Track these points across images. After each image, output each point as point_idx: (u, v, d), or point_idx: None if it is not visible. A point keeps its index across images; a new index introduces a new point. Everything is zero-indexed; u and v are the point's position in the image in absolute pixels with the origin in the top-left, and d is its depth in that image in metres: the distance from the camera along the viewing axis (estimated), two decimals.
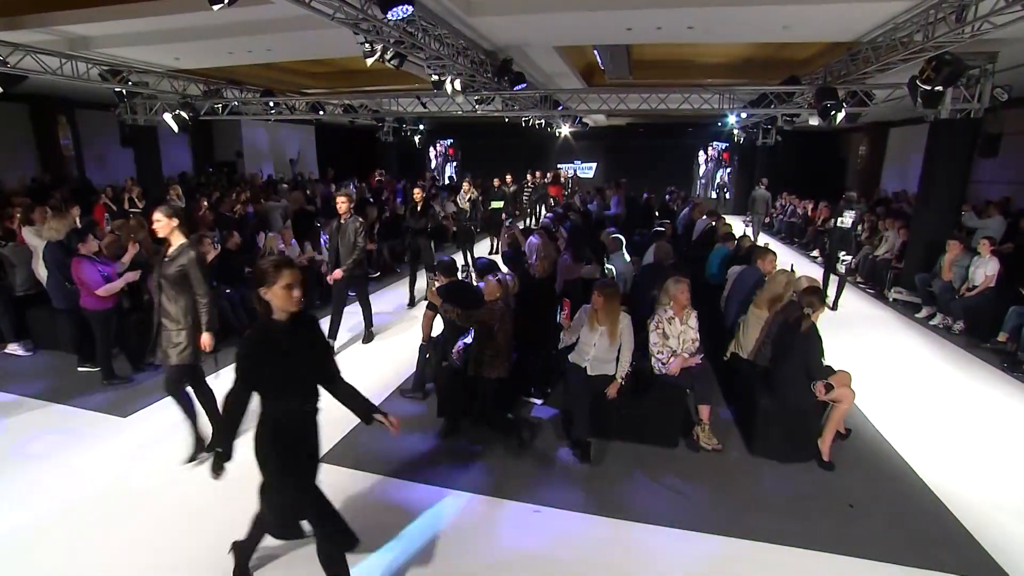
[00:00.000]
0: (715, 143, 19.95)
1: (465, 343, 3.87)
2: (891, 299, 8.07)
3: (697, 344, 3.86)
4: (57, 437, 3.86)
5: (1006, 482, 3.57)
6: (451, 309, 3.67)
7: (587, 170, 21.78)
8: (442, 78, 7.25)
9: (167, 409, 4.07)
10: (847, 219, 7.44)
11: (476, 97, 9.13)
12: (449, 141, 22.32)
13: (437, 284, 4.03)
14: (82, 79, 8.03)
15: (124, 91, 9.00)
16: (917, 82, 6.07)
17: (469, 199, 9.39)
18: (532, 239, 4.74)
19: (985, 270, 6.47)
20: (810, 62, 8.93)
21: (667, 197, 14.36)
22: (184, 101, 9.41)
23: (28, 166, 11.82)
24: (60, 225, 4.58)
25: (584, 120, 17.31)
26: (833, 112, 7.21)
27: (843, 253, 7.51)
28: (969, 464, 3.76)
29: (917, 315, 7.33)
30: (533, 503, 3.21)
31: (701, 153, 20.82)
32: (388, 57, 5.83)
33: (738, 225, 15.08)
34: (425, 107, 9.82)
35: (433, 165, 22.27)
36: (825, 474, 3.56)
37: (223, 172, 15.13)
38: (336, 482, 3.24)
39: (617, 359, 3.69)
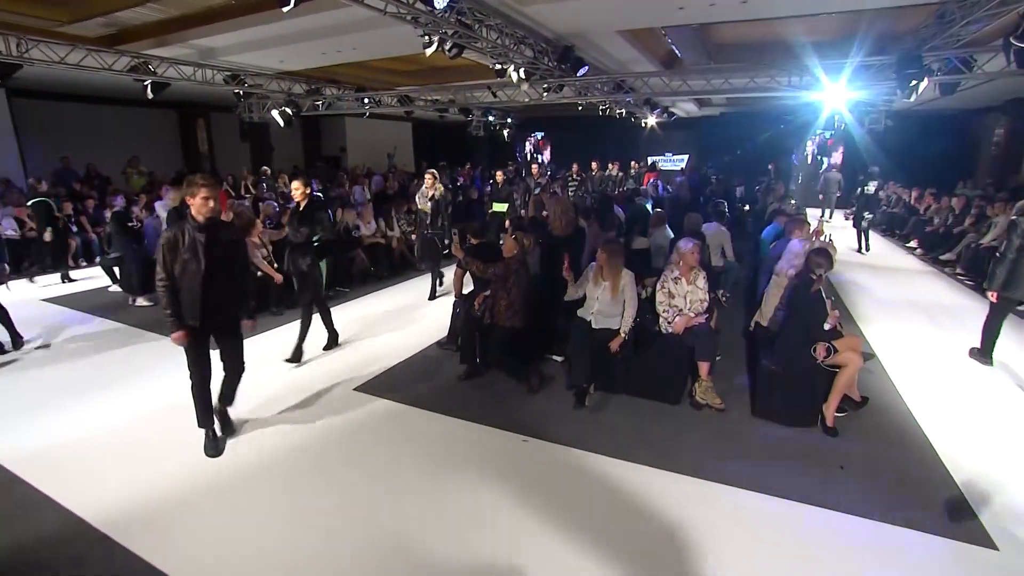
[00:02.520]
0: (820, 131, 18.54)
1: (485, 295, 4.28)
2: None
3: (706, 304, 3.95)
4: (168, 359, 4.81)
5: None
6: (472, 262, 4.11)
7: (678, 161, 21.21)
8: (505, 67, 7.69)
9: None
10: (871, 187, 10.80)
11: (544, 85, 9.44)
12: (540, 134, 22.82)
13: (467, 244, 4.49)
14: (209, 83, 9.55)
15: (242, 92, 10.45)
16: (1012, 39, 5.48)
17: (432, 198, 6.65)
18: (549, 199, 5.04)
19: None
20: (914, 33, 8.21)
21: (756, 188, 13.77)
22: (289, 99, 10.71)
23: (176, 162, 14.09)
24: (176, 196, 5.68)
25: (671, 110, 17.01)
26: (915, 82, 6.65)
27: (867, 213, 10.40)
28: (999, 452, 3.50)
29: (1020, 308, 6.56)
30: (523, 435, 3.55)
31: (808, 143, 19.44)
32: (447, 48, 6.36)
33: (838, 219, 14.09)
34: (495, 96, 10.29)
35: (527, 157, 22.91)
36: (825, 438, 3.52)
37: (328, 165, 16.86)
38: (372, 407, 3.94)
39: (622, 315, 3.89)
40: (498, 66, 7.71)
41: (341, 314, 6.04)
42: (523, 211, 7.09)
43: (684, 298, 3.92)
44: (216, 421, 3.50)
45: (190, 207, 3.12)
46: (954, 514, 2.84)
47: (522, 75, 7.93)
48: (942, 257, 9.17)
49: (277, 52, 8.90)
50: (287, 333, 5.41)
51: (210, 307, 3.18)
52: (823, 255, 3.52)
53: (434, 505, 2.92)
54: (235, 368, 3.53)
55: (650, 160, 20.41)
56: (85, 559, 2.54)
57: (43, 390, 4.33)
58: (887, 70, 7.80)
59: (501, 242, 4.25)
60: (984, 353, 4.88)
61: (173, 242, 3.07)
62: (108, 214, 8.27)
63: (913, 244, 10.61)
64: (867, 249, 10.21)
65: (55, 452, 3.44)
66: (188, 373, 3.31)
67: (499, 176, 8.06)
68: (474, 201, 9.71)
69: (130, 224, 6.85)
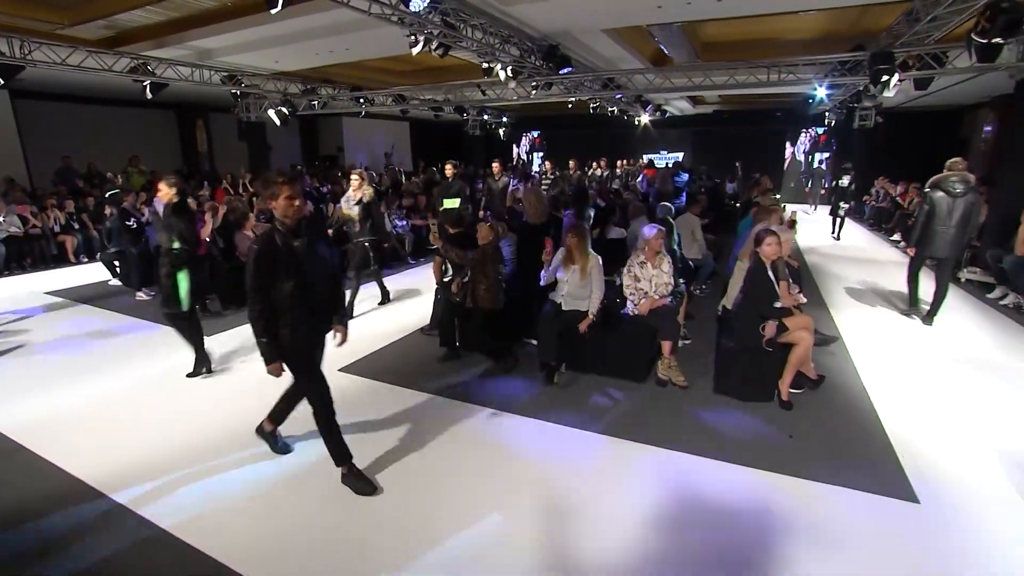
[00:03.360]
0: (812, 128, 18.75)
1: (464, 280, 4.51)
2: (963, 279, 7.47)
3: (670, 287, 4.17)
4: (165, 348, 5.06)
5: (982, 450, 3.52)
6: (450, 249, 4.34)
7: (674, 159, 21.41)
8: (492, 66, 7.92)
9: (239, 332, 5.29)
10: (844, 180, 11.61)
11: (532, 83, 9.67)
12: (536, 133, 23.07)
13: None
14: (207, 84, 9.80)
15: (239, 92, 10.70)
16: (972, 35, 5.69)
17: (359, 202, 5.84)
18: (521, 188, 5.28)
19: None
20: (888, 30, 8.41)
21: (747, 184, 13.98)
22: (285, 99, 10.97)
23: (175, 161, 14.37)
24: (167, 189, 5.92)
25: (663, 108, 17.24)
26: (886, 78, 6.87)
27: (842, 203, 11.56)
28: (937, 422, 3.72)
29: (989, 295, 6.78)
30: (494, 410, 3.78)
31: (801, 136, 19.64)
32: (433, 47, 6.59)
33: (823, 213, 14.35)
34: (485, 94, 10.51)
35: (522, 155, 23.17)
36: (780, 412, 3.74)
37: (326, 164, 17.13)
38: (355, 386, 4.21)
39: (591, 298, 4.12)
40: (485, 65, 7.95)
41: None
42: (482, 211, 7.10)
43: (649, 281, 4.15)
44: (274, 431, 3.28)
45: (275, 211, 2.69)
46: (886, 475, 3.06)
47: (509, 73, 8.17)
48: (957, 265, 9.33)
49: (272, 53, 9.14)
50: None
51: (316, 321, 2.87)
52: (770, 235, 3.74)
53: (409, 470, 3.15)
54: (319, 406, 2.96)
55: (646, 158, 20.77)
56: (83, 514, 2.78)
57: (46, 371, 4.58)
58: (862, 67, 8.02)
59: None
60: (911, 303, 6.04)
61: (266, 257, 2.64)
62: (109, 211, 8.55)
63: (896, 237, 10.81)
64: (838, 237, 11.51)
65: (55, 423, 3.69)
66: (316, 403, 2.91)
67: (448, 169, 7.48)
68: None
69: (128, 223, 7.12)
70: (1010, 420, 3.71)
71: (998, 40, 5.51)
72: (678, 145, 21.15)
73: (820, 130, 18.63)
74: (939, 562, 2.44)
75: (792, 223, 5.28)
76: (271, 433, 3.26)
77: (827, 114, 15.94)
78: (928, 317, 5.75)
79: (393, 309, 6.42)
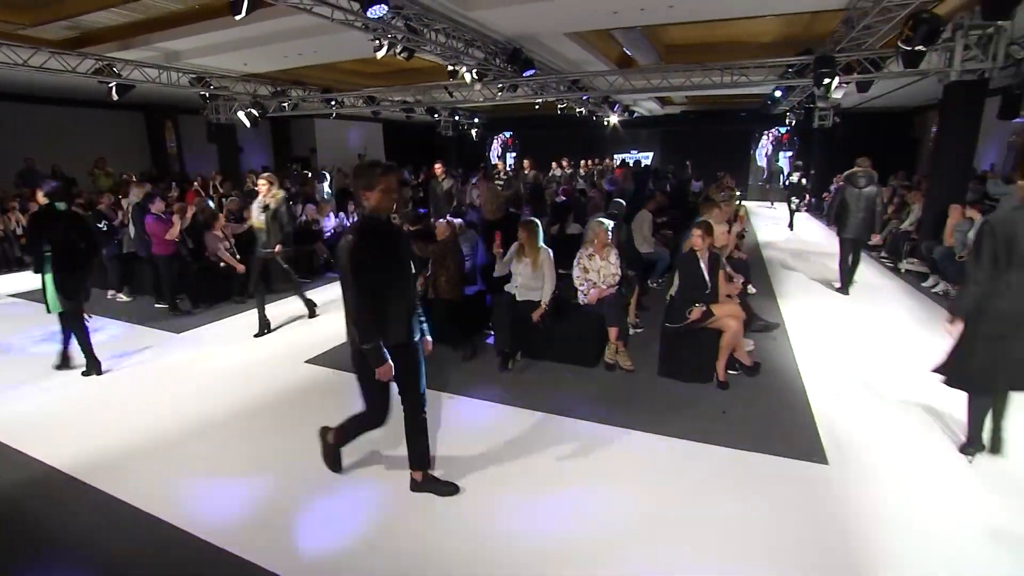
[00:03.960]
0: (774, 128, 19.40)
1: (426, 275, 4.74)
2: (903, 270, 7.97)
3: (617, 277, 4.46)
4: (138, 344, 5.18)
5: (889, 413, 3.89)
6: (414, 243, 4.58)
7: (644, 158, 21.91)
8: (457, 68, 8.15)
9: (208, 329, 5.44)
10: (795, 177, 13.49)
11: (498, 85, 9.92)
12: (508, 133, 23.34)
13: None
14: (175, 85, 9.80)
15: (207, 94, 10.72)
16: (899, 43, 6.14)
17: (267, 208, 5.21)
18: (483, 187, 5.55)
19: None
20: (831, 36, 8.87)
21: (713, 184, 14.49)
22: (255, 100, 11.03)
23: (143, 163, 14.23)
24: (139, 191, 6.03)
25: (631, 108, 17.69)
26: (827, 81, 7.31)
27: (794, 198, 13.12)
28: (865, 399, 4.08)
29: (923, 284, 7.26)
30: (451, 394, 4.03)
31: (763, 138, 20.29)
32: (398, 51, 6.80)
33: (782, 209, 14.93)
34: (452, 96, 10.72)
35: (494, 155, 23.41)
36: (718, 391, 4.06)
37: (298, 166, 17.13)
38: (320, 376, 4.41)
39: (543, 288, 4.38)
40: (451, 67, 8.17)
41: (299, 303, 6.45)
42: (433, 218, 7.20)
43: (597, 272, 4.43)
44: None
45: (366, 202, 2.55)
46: (804, 442, 3.38)
47: (475, 76, 8.41)
48: (870, 242, 9.87)
49: (240, 55, 9.21)
50: (250, 318, 5.81)
51: (411, 324, 2.68)
52: (702, 227, 4.05)
53: (363, 446, 3.36)
54: (413, 405, 2.81)
55: (617, 158, 21.26)
56: (54, 497, 2.94)
57: (17, 370, 4.66)
58: (809, 70, 8.46)
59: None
60: (843, 284, 6.98)
61: (364, 253, 2.48)
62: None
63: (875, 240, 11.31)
64: (792, 227, 12.64)
65: (28, 417, 3.80)
66: (367, 409, 2.83)
67: None
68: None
69: (100, 225, 7.15)
70: (919, 392, 4.08)
71: (920, 48, 5.96)
72: (648, 145, 21.63)
73: (783, 130, 19.30)
74: (842, 513, 2.76)
75: (734, 217, 5.62)
76: (424, 480, 2.93)
77: (788, 114, 16.56)
78: (844, 287, 6.96)
79: None
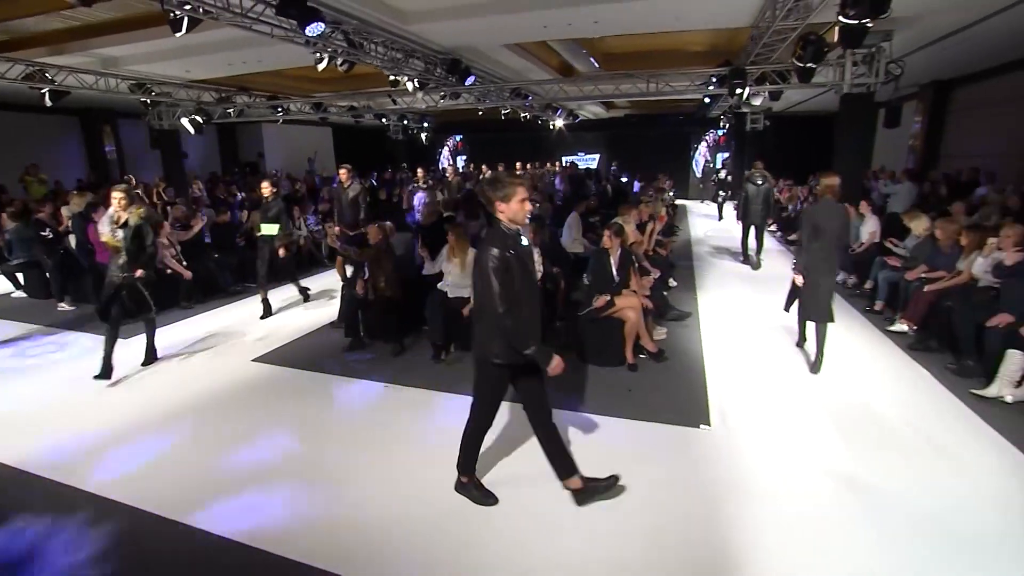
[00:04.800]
0: (713, 130, 20.47)
1: (365, 279, 5.09)
2: None
3: (540, 274, 4.92)
4: (80, 351, 5.31)
5: (776, 393, 4.51)
6: (348, 250, 4.92)
7: (590, 160, 22.70)
8: (399, 78, 8.48)
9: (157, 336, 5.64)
10: (722, 174, 16.31)
11: (440, 93, 10.29)
12: (458, 137, 23.71)
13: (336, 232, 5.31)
14: (113, 92, 9.71)
15: (149, 101, 10.64)
16: (793, 60, 6.88)
17: (126, 225, 4.42)
18: (418, 195, 5.94)
19: (868, 228, 7.20)
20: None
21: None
22: (199, 107, 11.01)
23: (80, 170, 13.85)
24: (80, 201, 6.12)
25: (575, 113, 18.38)
26: (739, 91, 8.04)
27: (720, 192, 15.32)
28: (754, 376, 4.69)
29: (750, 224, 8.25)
30: (386, 383, 4.42)
31: (704, 139, 21.36)
32: (338, 63, 7.09)
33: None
34: (396, 103, 11.03)
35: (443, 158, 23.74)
36: (628, 373, 4.58)
37: (246, 171, 16.98)
38: (265, 372, 4.71)
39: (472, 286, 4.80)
40: (392, 77, 8.49)
41: (250, 306, 6.67)
42: (338, 227, 7.23)
43: None
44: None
45: (500, 214, 2.57)
46: (694, 413, 3.93)
47: (416, 84, 8.77)
48: (790, 237, 10.78)
49: (183, 63, 9.25)
50: (197, 325, 6.00)
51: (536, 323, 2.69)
52: (612, 228, 4.58)
53: (310, 431, 3.71)
54: (544, 417, 2.86)
55: (565, 160, 21.96)
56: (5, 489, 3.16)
57: None
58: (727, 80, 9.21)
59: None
60: (746, 258, 8.87)
61: (506, 262, 2.50)
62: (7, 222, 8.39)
63: (774, 228, 12.25)
64: (721, 218, 14.67)
65: None
66: (476, 416, 2.92)
67: (265, 188, 6.33)
68: (384, 201, 10.51)
69: (44, 233, 7.12)
70: (801, 369, 4.72)
71: (811, 65, 6.70)
72: (594, 147, 22.42)
73: (720, 132, 20.41)
74: (718, 466, 3.29)
75: (650, 217, 6.20)
76: (469, 484, 3.00)
77: (722, 118, 17.56)
78: (746, 259, 8.88)
79: (309, 307, 6.86)
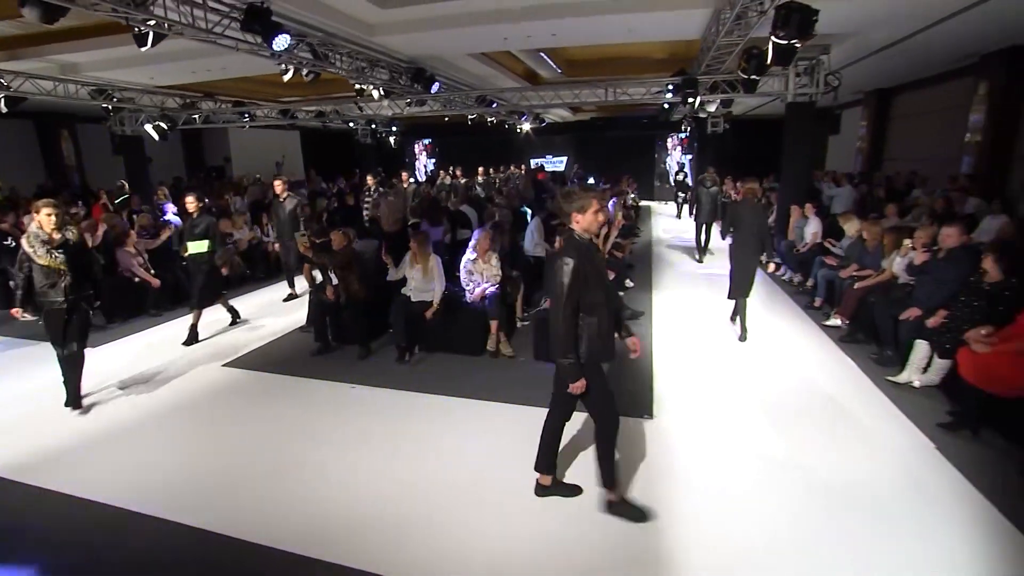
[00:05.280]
0: (676, 133, 21.08)
1: (335, 285, 5.27)
2: (763, 262, 9.29)
3: (498, 278, 5.22)
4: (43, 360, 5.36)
5: (713, 381, 4.88)
6: (321, 257, 5.13)
7: (558, 163, 23.13)
8: (364, 87, 8.66)
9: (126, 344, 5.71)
10: (681, 176, 16.92)
11: (405, 100, 10.49)
12: (427, 140, 23.86)
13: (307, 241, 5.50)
14: (73, 98, 9.61)
15: (111, 107, 10.54)
16: (739, 72, 7.32)
17: (62, 245, 4.02)
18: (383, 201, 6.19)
19: (811, 229, 7.71)
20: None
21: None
22: (163, 113, 10.96)
23: (37, 175, 13.54)
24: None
25: (542, 116, 18.75)
26: (691, 100, 8.49)
27: (680, 192, 16.23)
28: (697, 370, 5.06)
29: (777, 273, 8.57)
30: (352, 384, 4.65)
31: (668, 142, 21.97)
32: (304, 73, 7.24)
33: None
34: (361, 110, 11.18)
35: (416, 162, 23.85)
36: None
37: (212, 176, 16.83)
38: (236, 376, 4.89)
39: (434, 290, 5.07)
40: (358, 86, 8.67)
41: (218, 312, 6.77)
42: (275, 244, 7.28)
43: (481, 274, 5.17)
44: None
45: (575, 225, 2.73)
46: (639, 404, 4.26)
47: (382, 92, 8.96)
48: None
49: (146, 70, 9.22)
50: (166, 333, 6.10)
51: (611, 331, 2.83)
52: (562, 234, 4.87)
53: (282, 431, 3.92)
54: (609, 423, 2.92)
55: (534, 162, 22.38)
56: None
57: None
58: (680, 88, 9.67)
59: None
60: (700, 254, 9.77)
61: (580, 271, 2.63)
62: None
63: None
64: (679, 217, 15.55)
65: None
66: (552, 418, 3.09)
67: (190, 203, 5.86)
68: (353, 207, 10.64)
69: (6, 243, 7.06)
70: (743, 364, 5.12)
71: (755, 76, 7.15)
72: (562, 150, 22.84)
73: (683, 135, 21.06)
74: (656, 451, 3.62)
75: (607, 222, 6.53)
76: (555, 484, 3.12)
77: (684, 121, 18.15)
78: (701, 257, 9.69)
79: (277, 312, 7.01)
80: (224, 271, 5.86)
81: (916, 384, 4.36)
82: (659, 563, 2.66)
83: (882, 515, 2.95)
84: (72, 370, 4.26)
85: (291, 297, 7.52)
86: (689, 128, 18.64)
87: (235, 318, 6.48)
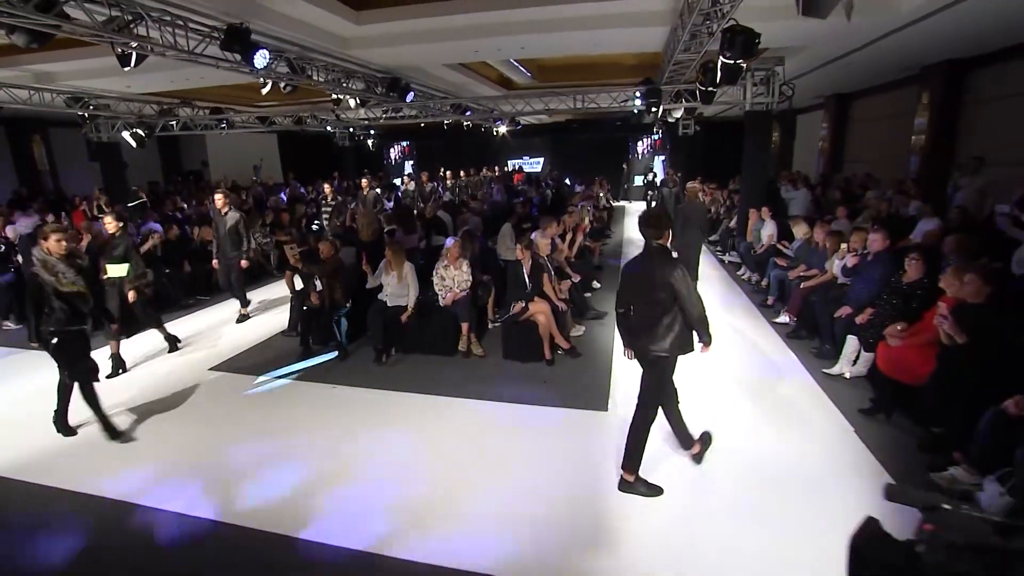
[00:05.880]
0: (648, 135, 21.63)
1: (319, 291, 5.56)
2: (727, 261, 9.82)
3: (468, 283, 5.58)
4: (25, 366, 5.58)
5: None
6: (308, 266, 5.43)
7: (535, 164, 23.54)
8: (341, 97, 8.92)
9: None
10: (651, 176, 17.90)
11: (382, 108, 10.77)
12: (406, 142, 24.07)
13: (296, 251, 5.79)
14: (49, 106, 9.68)
15: (87, 115, 10.61)
16: (697, 84, 7.78)
17: (81, 268, 4.14)
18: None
19: (767, 231, 8.21)
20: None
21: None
22: (140, 120, 11.06)
23: (8, 180, 13.45)
24: (29, 221, 6.32)
25: (516, 120, 19.13)
26: (655, 109, 8.94)
27: (650, 192, 16.23)
28: None
29: (738, 272, 9.08)
30: (332, 384, 4.98)
31: (639, 144, 22.51)
32: (282, 86, 7.49)
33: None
34: (339, 118, 11.41)
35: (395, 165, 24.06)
36: (544, 367, 5.28)
37: (189, 180, 16.84)
38: (222, 377, 5.19)
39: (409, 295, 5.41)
40: (335, 96, 8.92)
41: (204, 317, 7.04)
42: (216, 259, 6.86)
43: (452, 279, 5.53)
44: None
45: (662, 241, 3.32)
46: (595, 398, 4.66)
47: (358, 101, 9.23)
48: (711, 238, 11.84)
49: (123, 79, 9.31)
50: (153, 338, 6.32)
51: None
52: (522, 242, 5.28)
53: (268, 429, 4.22)
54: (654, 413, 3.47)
55: (511, 164, 22.78)
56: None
57: None
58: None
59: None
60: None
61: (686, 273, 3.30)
62: None
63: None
64: None
65: None
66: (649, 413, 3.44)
67: (109, 224, 5.48)
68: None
69: None
70: (695, 359, 5.53)
71: (711, 88, 7.61)
72: (539, 151, 23.27)
73: (656, 136, 21.63)
74: (607, 441, 4.01)
75: (573, 227, 6.94)
76: (637, 481, 3.41)
77: (656, 124, 18.67)
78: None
79: (259, 318, 7.26)
80: (131, 297, 5.36)
81: (847, 375, 4.84)
82: (611, 532, 3.05)
83: (802, 491, 3.38)
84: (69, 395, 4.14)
85: (244, 318, 6.97)
86: (660, 130, 19.19)
87: (172, 346, 5.95)
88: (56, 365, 4.06)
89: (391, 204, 10.91)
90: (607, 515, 3.21)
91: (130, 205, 9.90)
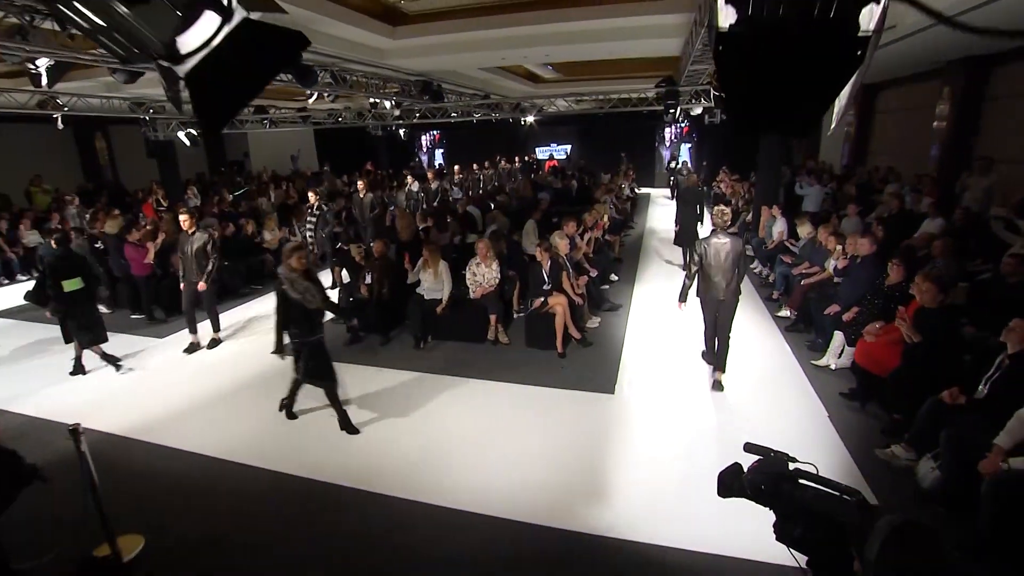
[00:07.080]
0: (675, 124, 21.73)
1: (368, 284, 6.35)
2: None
3: (497, 279, 6.28)
4: (128, 348, 6.53)
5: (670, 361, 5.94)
6: (367, 263, 6.27)
7: (561, 152, 23.93)
8: (377, 101, 9.64)
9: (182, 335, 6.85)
10: (675, 164, 17.52)
11: (415, 108, 11.45)
12: (436, 131, 24.74)
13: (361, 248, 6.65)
14: (116, 111, 10.72)
15: (147, 116, 11.61)
16: (712, 91, 8.21)
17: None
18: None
19: (777, 228, 8.64)
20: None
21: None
22: (193, 121, 12.01)
23: (76, 177, 14.71)
24: (115, 224, 7.29)
25: (545, 109, 19.55)
26: (672, 110, 9.38)
27: (672, 179, 16.65)
28: (660, 355, 6.10)
29: (751, 266, 9.53)
30: (379, 367, 5.77)
31: (667, 131, 22.64)
32: (327, 97, 8.26)
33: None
34: (374, 117, 12.15)
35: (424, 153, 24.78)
36: (558, 357, 5.97)
37: (232, 170, 17.90)
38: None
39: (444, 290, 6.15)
40: (372, 100, 9.65)
41: (260, 305, 7.89)
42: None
43: (483, 276, 6.25)
44: None
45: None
46: (604, 382, 5.33)
47: (394, 103, 9.94)
48: (730, 230, 12.20)
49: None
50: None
51: None
52: (543, 244, 5.93)
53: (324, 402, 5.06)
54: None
55: (539, 153, 23.25)
56: (120, 452, 4.45)
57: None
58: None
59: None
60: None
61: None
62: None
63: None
64: (672, 199, 16.34)
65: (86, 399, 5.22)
66: None
67: (184, 220, 6.03)
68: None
69: (96, 246, 8.10)
70: (698, 350, 6.14)
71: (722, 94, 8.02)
72: (566, 139, 23.62)
73: (683, 124, 21.73)
74: (613, 423, 4.69)
75: (592, 225, 7.54)
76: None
77: (681, 112, 18.81)
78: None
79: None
80: (201, 287, 6.00)
81: (833, 367, 5.39)
82: (605, 494, 3.76)
83: None
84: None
85: (194, 348, 6.45)
86: (686, 119, 19.33)
87: (112, 363, 5.95)
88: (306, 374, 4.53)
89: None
90: (605, 476, 3.91)
91: (237, 193, 11.13)
